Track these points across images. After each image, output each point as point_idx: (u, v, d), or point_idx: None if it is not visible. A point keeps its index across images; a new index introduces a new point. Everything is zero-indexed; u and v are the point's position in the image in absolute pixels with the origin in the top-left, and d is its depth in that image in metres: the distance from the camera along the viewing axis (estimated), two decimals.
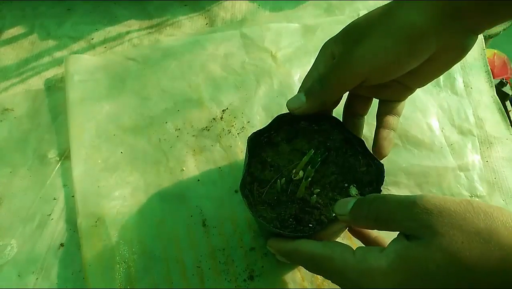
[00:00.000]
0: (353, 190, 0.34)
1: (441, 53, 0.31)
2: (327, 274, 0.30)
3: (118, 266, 0.38)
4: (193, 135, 0.46)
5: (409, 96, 0.37)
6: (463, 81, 0.51)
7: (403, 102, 0.38)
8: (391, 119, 0.37)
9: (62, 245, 0.40)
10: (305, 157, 0.34)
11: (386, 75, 0.32)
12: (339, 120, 0.37)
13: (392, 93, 0.37)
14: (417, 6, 0.30)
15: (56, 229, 0.41)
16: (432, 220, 0.25)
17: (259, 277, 0.38)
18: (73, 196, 0.42)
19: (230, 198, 0.42)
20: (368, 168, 0.35)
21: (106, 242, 0.39)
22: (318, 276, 0.39)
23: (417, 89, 0.37)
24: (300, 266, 0.39)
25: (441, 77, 0.51)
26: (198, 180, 0.43)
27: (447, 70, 0.34)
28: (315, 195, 0.34)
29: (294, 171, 0.35)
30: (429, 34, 0.30)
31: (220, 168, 0.44)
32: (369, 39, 0.31)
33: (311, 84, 0.34)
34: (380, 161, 0.34)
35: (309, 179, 0.33)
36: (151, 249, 0.39)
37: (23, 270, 0.39)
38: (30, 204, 0.42)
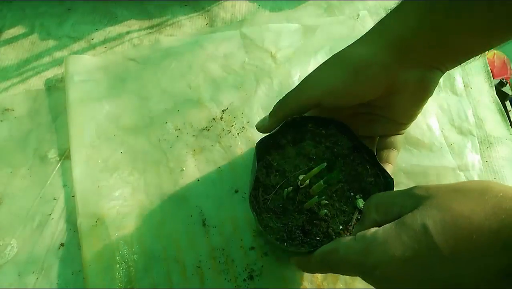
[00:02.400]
0: (360, 202, 0.34)
1: (404, 86, 0.33)
2: (337, 267, 0.30)
3: (118, 266, 0.39)
4: (193, 136, 0.46)
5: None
6: (462, 81, 0.51)
7: (400, 136, 0.38)
8: (388, 153, 0.38)
9: (62, 245, 0.40)
10: (315, 168, 0.33)
11: (337, 99, 0.34)
12: (348, 127, 0.36)
13: (384, 128, 0.38)
14: (366, 40, 0.33)
15: (56, 229, 0.41)
16: (430, 191, 0.26)
17: (259, 277, 0.38)
18: (73, 196, 0.42)
19: (230, 198, 0.42)
20: (376, 178, 0.35)
21: (106, 242, 0.39)
22: (318, 276, 0.39)
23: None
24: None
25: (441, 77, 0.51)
26: (198, 180, 0.43)
27: (421, 104, 0.35)
28: (324, 210, 0.33)
29: (301, 178, 0.34)
30: (375, 65, 0.32)
31: (220, 167, 0.44)
32: (323, 67, 0.34)
33: (274, 106, 0.37)
34: (391, 175, 0.34)
35: (323, 197, 0.32)
36: (151, 249, 0.40)
37: (23, 269, 0.39)
38: (30, 204, 0.42)
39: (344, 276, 0.39)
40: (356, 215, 0.33)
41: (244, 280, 0.38)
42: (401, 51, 0.32)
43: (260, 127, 0.38)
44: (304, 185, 0.34)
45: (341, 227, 0.33)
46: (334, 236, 0.32)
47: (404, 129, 0.38)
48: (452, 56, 0.32)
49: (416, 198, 0.26)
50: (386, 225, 0.27)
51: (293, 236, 0.32)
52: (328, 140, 0.36)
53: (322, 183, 0.32)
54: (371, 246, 0.26)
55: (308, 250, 0.32)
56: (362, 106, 0.36)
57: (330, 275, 0.39)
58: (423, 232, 0.24)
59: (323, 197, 0.34)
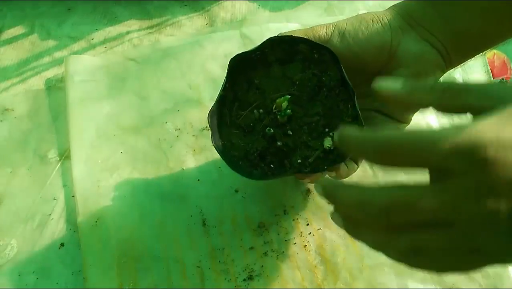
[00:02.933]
0: (327, 142, 0.32)
1: (404, 58, 0.33)
2: (404, 158, 0.22)
3: (118, 266, 0.39)
4: (193, 135, 0.46)
5: None
6: (462, 80, 0.51)
7: None
8: None
9: (62, 244, 0.40)
10: (281, 99, 0.32)
11: (346, 40, 0.34)
12: (339, 59, 0.33)
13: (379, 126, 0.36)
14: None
15: (57, 228, 0.41)
16: None
17: (259, 277, 0.38)
18: (73, 196, 0.42)
19: (230, 198, 0.42)
20: (353, 120, 0.32)
21: (106, 242, 0.40)
22: (318, 276, 0.39)
23: None
24: (300, 266, 0.39)
25: (441, 77, 0.51)
26: (198, 180, 0.43)
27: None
28: (279, 142, 0.32)
29: (277, 101, 0.33)
30: (383, 21, 0.34)
31: (220, 167, 0.44)
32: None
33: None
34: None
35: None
36: (151, 249, 0.40)
37: (23, 269, 0.39)
38: (30, 203, 0.42)
39: (344, 275, 0.39)
40: (318, 153, 0.32)
41: (244, 280, 0.38)
42: (408, 22, 0.33)
43: None
44: (277, 110, 0.33)
45: (299, 161, 0.32)
46: (288, 167, 0.32)
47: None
48: (452, 40, 0.33)
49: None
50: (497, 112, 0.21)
51: (250, 157, 0.32)
52: (317, 68, 0.33)
53: (278, 117, 0.32)
54: (483, 126, 0.20)
55: (258, 176, 0.31)
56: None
57: (330, 275, 0.39)
58: None
59: (291, 122, 0.33)
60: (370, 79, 0.34)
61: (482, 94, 0.22)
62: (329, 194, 0.24)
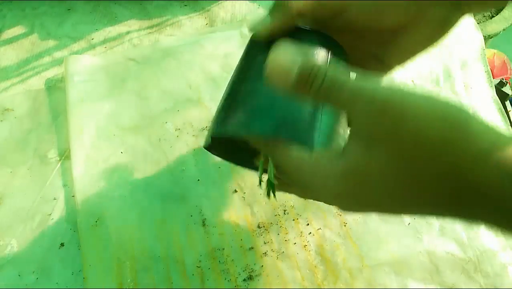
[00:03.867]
0: None
1: (425, 23, 0.31)
2: (286, 167, 0.28)
3: (118, 266, 0.39)
4: (193, 135, 0.46)
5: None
6: (462, 81, 0.51)
7: None
8: None
9: (62, 244, 0.40)
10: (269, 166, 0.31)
11: (365, 7, 0.30)
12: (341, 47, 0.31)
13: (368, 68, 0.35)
14: None
15: (57, 228, 0.41)
16: (402, 125, 0.23)
17: (259, 277, 0.38)
18: (73, 196, 0.42)
19: (230, 198, 0.42)
20: None
21: (106, 242, 0.40)
22: (318, 276, 0.39)
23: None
24: (300, 266, 0.39)
25: (441, 77, 0.51)
26: (198, 180, 0.43)
27: (426, 47, 0.33)
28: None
29: None
30: None
31: (220, 167, 0.44)
32: None
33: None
34: None
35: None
36: (151, 249, 0.40)
37: (23, 269, 0.39)
38: (30, 203, 0.42)
39: (344, 275, 0.39)
40: None
41: (244, 279, 0.38)
42: None
43: (257, 32, 0.29)
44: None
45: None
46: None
47: (387, 74, 0.36)
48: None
49: (385, 128, 0.23)
50: (348, 157, 0.25)
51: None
52: None
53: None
54: (326, 177, 0.26)
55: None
56: (365, 42, 0.33)
57: (330, 275, 0.39)
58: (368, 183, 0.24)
59: None
60: (380, 39, 0.32)
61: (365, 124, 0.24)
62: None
